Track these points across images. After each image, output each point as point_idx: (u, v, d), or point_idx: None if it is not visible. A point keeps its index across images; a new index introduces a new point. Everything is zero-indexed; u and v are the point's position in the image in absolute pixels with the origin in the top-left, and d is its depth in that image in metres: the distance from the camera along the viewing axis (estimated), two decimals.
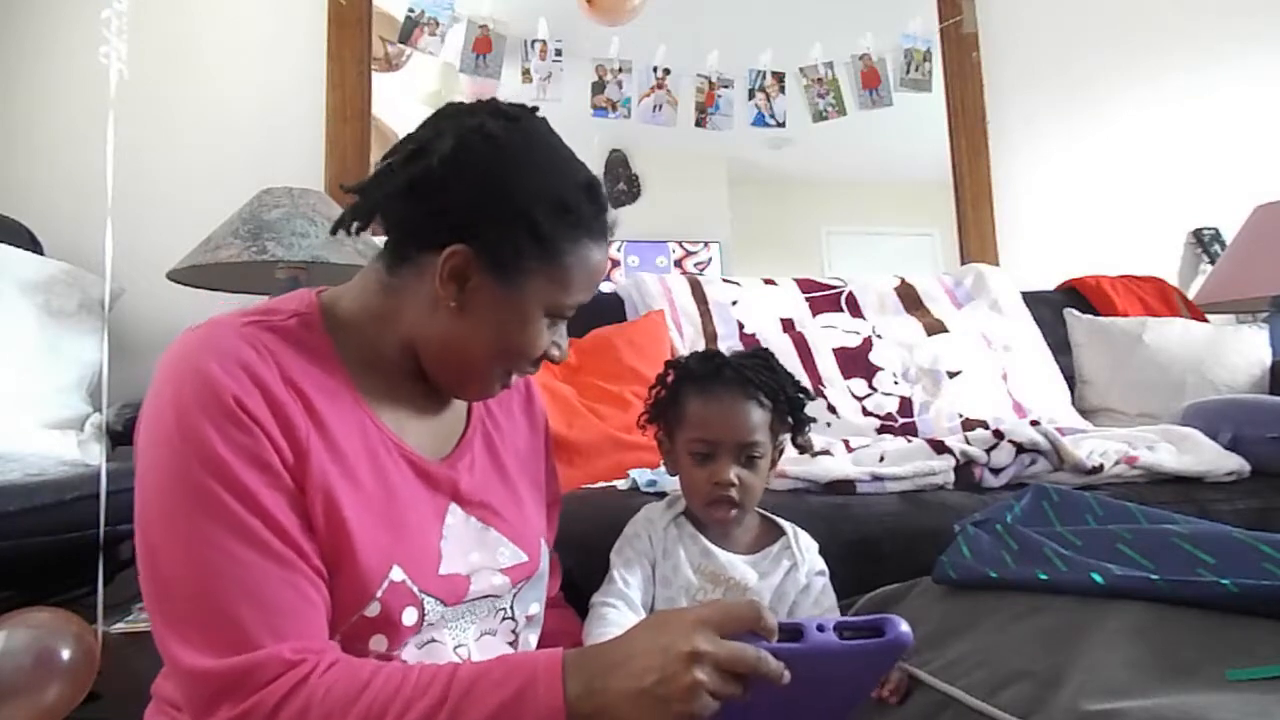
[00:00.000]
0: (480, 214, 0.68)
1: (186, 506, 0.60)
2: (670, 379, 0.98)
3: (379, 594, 0.65)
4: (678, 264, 2.28)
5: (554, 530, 0.96)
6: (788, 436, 0.98)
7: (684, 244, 2.30)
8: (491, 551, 0.77)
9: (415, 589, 0.68)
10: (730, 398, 0.92)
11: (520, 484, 0.86)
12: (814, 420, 1.00)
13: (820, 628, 0.58)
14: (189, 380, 0.62)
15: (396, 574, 0.67)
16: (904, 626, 0.58)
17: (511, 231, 0.68)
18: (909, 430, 1.68)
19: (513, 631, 0.80)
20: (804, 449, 1.02)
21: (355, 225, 0.73)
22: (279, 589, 0.60)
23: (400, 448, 0.73)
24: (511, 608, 0.80)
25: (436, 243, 0.68)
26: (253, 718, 0.56)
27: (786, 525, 0.99)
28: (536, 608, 0.83)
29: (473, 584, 0.74)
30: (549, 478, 0.94)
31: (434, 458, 0.77)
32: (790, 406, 0.95)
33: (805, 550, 0.96)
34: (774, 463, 0.98)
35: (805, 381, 1.06)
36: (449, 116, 0.72)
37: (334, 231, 0.74)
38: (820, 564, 0.97)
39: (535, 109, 0.74)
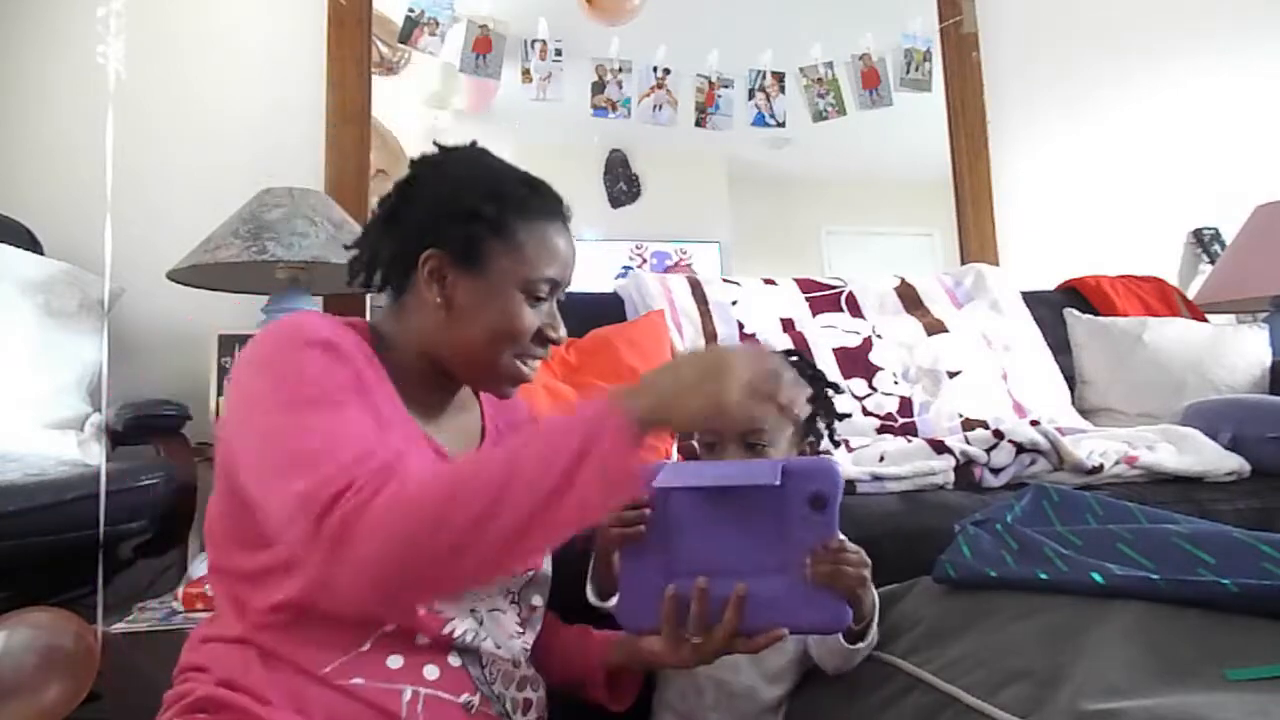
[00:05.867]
0: (437, 221, 0.80)
1: (282, 405, 0.68)
2: None
3: None
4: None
5: None
6: (823, 431, 1.00)
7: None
8: None
9: None
10: None
11: None
12: (844, 415, 1.02)
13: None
14: (287, 327, 0.72)
15: None
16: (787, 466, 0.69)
17: (466, 225, 0.79)
18: (909, 430, 1.68)
19: (519, 617, 0.82)
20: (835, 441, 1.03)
21: (362, 278, 0.85)
22: (369, 431, 0.68)
23: (437, 448, 0.80)
24: (519, 594, 0.83)
25: (415, 258, 0.79)
26: (360, 497, 0.62)
27: None
28: (539, 600, 0.86)
29: None
30: None
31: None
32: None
33: None
34: (802, 454, 0.98)
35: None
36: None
37: (350, 283, 0.86)
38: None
39: (474, 143, 0.88)
